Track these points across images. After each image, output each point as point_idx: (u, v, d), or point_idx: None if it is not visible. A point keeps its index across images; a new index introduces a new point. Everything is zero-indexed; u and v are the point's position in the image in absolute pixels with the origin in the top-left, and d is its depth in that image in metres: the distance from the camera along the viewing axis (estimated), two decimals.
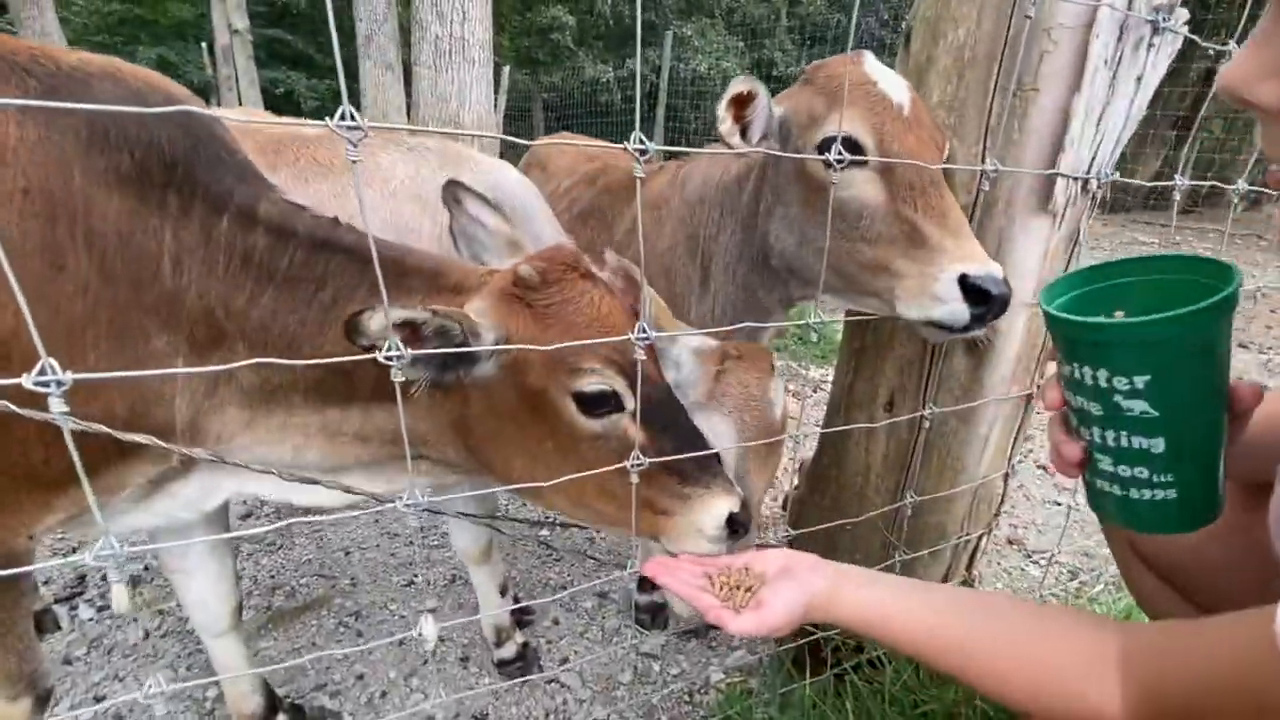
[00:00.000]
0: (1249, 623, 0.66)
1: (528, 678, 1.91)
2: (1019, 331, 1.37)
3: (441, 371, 1.00)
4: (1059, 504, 3.01)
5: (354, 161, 0.70)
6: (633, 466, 1.01)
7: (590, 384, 1.02)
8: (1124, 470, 0.81)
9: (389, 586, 2.27)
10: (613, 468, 1.03)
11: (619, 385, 1.06)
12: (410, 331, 0.92)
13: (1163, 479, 0.79)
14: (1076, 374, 0.79)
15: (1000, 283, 1.13)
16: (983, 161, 1.22)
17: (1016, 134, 1.21)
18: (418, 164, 1.57)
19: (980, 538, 1.63)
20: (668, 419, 1.12)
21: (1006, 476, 1.55)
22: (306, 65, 14.39)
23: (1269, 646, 0.60)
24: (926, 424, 1.34)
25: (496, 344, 1.01)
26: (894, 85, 1.24)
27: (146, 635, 2.05)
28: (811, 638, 1.72)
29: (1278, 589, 0.94)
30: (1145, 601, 1.21)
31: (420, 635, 0.97)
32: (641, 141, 0.83)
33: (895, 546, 1.55)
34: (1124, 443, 0.79)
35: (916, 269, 1.17)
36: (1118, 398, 0.76)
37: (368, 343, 0.87)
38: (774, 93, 1.31)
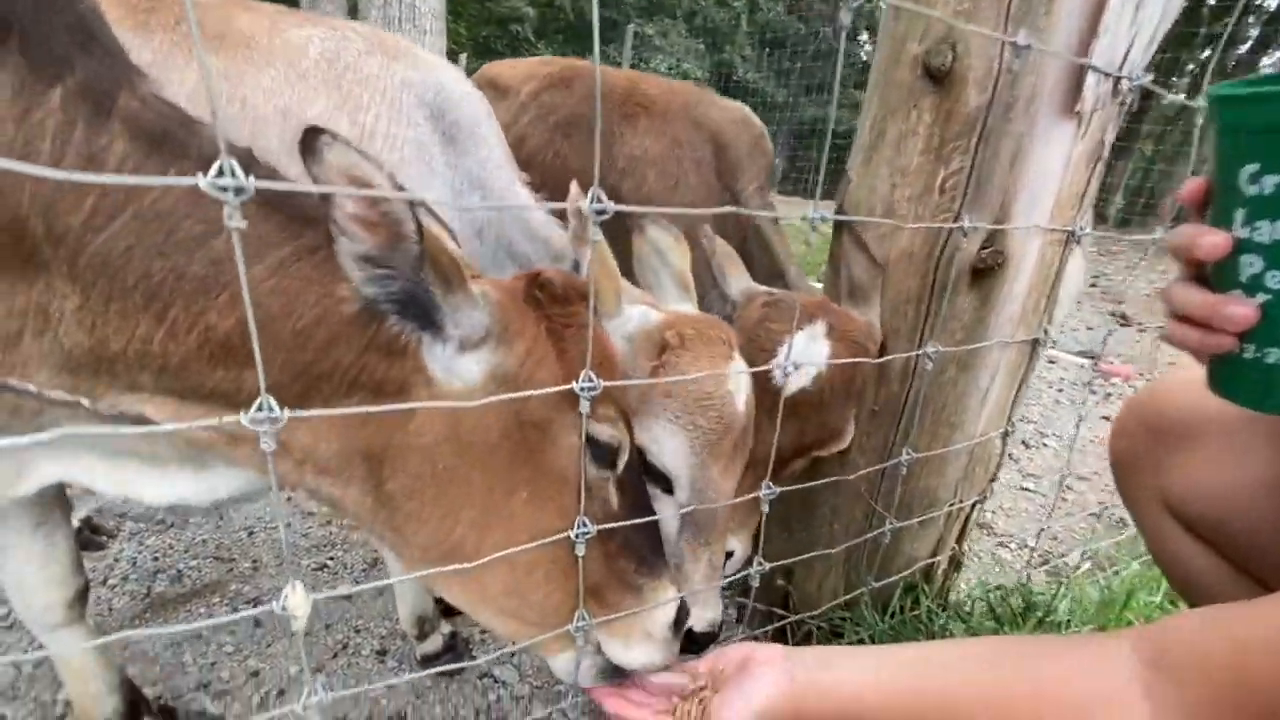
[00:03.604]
0: None
1: (453, 665, 1.65)
2: (1031, 261, 1.20)
3: (398, 304, 0.75)
4: (1026, 489, 2.91)
5: None
6: (578, 534, 0.85)
7: (603, 430, 0.88)
8: None
9: (298, 570, 1.97)
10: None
11: (624, 440, 0.93)
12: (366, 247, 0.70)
13: None
14: None
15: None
16: (1003, 52, 1.04)
17: (1043, 16, 1.03)
18: (339, 45, 1.28)
19: (974, 506, 1.45)
20: (636, 493, 0.97)
21: (1005, 436, 1.37)
22: None
23: None
24: (929, 365, 1.15)
25: (487, 332, 0.82)
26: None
27: None
28: (781, 623, 1.51)
29: None
30: (1181, 573, 1.04)
31: (284, 610, 0.71)
32: None
33: (881, 516, 1.35)
34: None
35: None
36: None
37: (317, 169, 0.65)
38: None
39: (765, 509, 1.05)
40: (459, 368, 0.81)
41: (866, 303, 1.29)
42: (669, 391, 1.01)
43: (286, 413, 0.63)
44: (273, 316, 0.73)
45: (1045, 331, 1.27)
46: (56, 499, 1.19)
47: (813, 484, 1.26)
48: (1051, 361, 4.80)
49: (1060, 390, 4.21)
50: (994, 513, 2.67)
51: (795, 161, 14.49)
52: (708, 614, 1.00)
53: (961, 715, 0.77)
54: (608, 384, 0.81)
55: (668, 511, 1.02)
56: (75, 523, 2.00)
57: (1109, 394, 4.21)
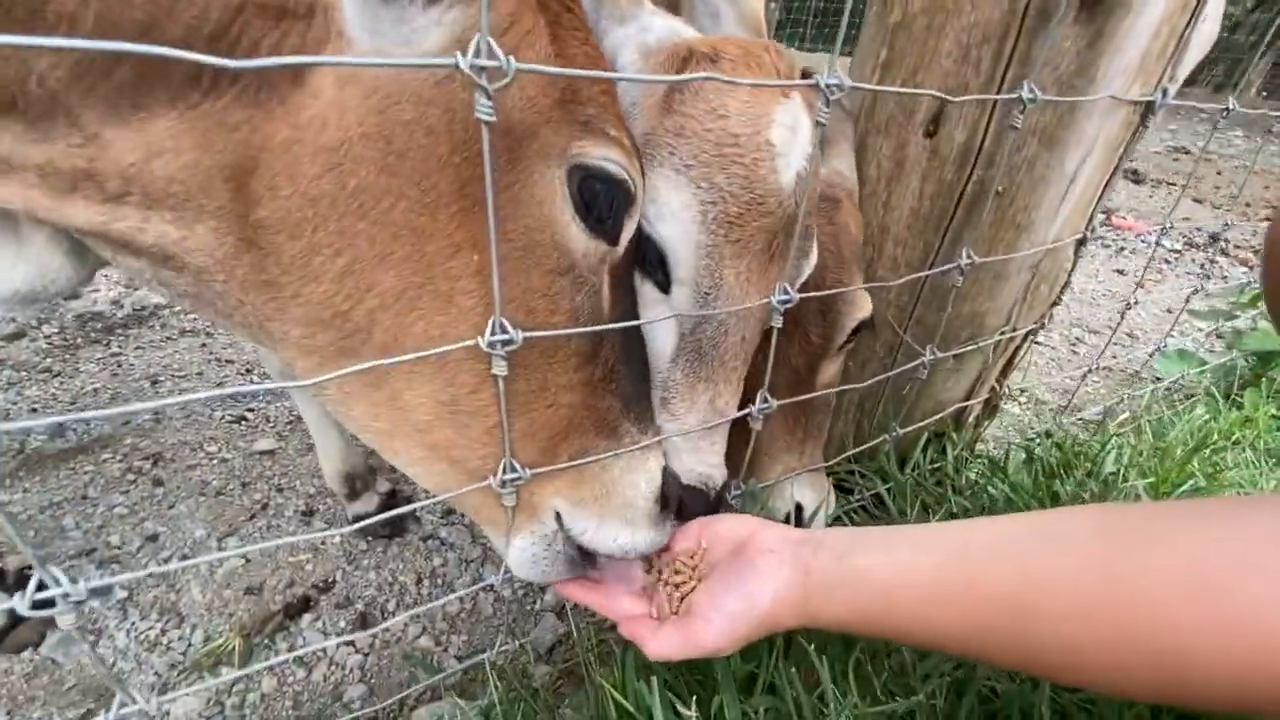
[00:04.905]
0: None
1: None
2: None
3: None
4: (1036, 342, 2.67)
5: None
6: (491, 341, 0.57)
7: (612, 159, 0.59)
8: None
9: (209, 423, 1.68)
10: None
11: (639, 186, 0.63)
12: None
13: None
14: None
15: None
16: None
17: None
18: None
19: (1028, 335, 1.17)
20: (631, 302, 0.69)
21: (1082, 243, 1.06)
22: None
23: None
24: (1017, 121, 0.79)
25: None
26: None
27: None
28: (787, 475, 1.26)
29: None
30: None
31: None
32: None
33: (912, 349, 1.06)
34: None
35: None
36: None
37: None
38: None
39: (757, 426, 0.79)
40: (408, 30, 0.51)
41: (834, 149, 0.99)
42: (681, 129, 0.67)
43: None
44: None
45: (1164, 91, 0.92)
46: None
47: (820, 294, 0.94)
48: None
49: None
50: None
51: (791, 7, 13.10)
52: (699, 466, 0.71)
53: (1045, 611, 0.52)
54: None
55: (663, 328, 0.71)
56: None
57: (1121, 248, 3.94)
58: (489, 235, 0.51)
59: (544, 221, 0.57)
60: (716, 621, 0.59)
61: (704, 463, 0.70)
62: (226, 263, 0.55)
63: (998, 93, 0.88)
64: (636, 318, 0.69)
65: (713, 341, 0.70)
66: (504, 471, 0.61)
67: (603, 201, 0.59)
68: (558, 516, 0.65)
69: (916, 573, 0.57)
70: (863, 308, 0.94)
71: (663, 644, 0.61)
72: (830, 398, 1.00)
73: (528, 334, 0.56)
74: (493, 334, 0.54)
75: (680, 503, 0.69)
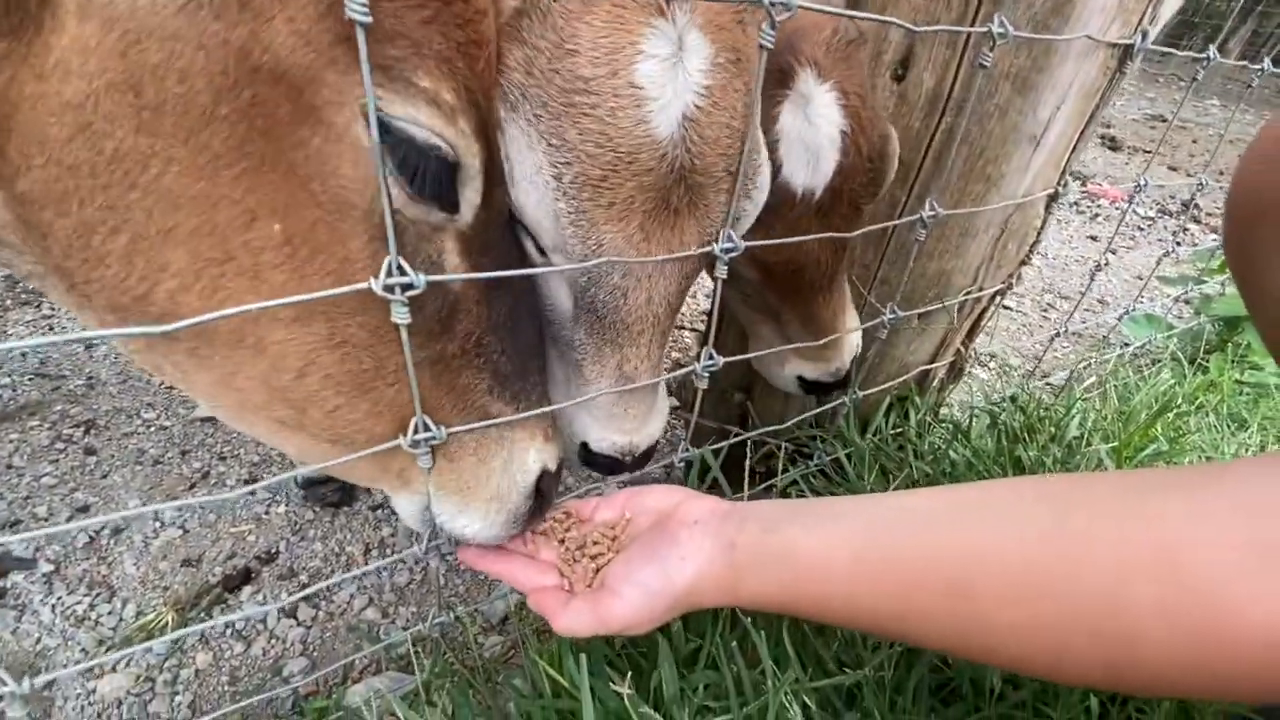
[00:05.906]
0: None
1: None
2: None
3: None
4: (1007, 307, 2.67)
5: None
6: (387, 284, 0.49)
7: (419, 121, 0.46)
8: None
9: (147, 389, 1.59)
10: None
11: (467, 151, 0.49)
12: None
13: None
14: None
15: None
16: None
17: None
18: None
19: (995, 296, 1.12)
20: (509, 262, 0.59)
21: (1053, 199, 1.01)
22: None
23: None
24: (987, 59, 0.73)
25: None
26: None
27: None
28: (736, 439, 1.23)
29: None
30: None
31: None
32: None
33: (875, 309, 1.02)
34: None
35: None
36: None
37: None
38: None
39: (703, 385, 0.74)
40: None
41: None
42: (530, 65, 0.54)
43: None
44: None
45: (1144, 34, 0.86)
46: None
47: (772, 243, 0.88)
48: None
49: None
50: None
51: None
52: (614, 435, 0.65)
53: (985, 591, 0.48)
54: None
55: (554, 283, 0.65)
56: None
57: (1095, 215, 3.93)
58: (376, 156, 0.44)
59: (357, 181, 0.46)
60: (630, 595, 0.55)
61: (620, 429, 0.64)
62: (25, 243, 0.48)
63: (966, 39, 0.82)
64: (514, 312, 0.60)
65: (609, 304, 0.61)
66: (415, 430, 0.56)
67: (414, 154, 0.47)
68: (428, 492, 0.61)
69: (845, 548, 0.53)
70: (897, 154, 0.83)
71: (571, 618, 0.56)
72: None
73: (430, 278, 0.50)
74: (388, 275, 0.48)
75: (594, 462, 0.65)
